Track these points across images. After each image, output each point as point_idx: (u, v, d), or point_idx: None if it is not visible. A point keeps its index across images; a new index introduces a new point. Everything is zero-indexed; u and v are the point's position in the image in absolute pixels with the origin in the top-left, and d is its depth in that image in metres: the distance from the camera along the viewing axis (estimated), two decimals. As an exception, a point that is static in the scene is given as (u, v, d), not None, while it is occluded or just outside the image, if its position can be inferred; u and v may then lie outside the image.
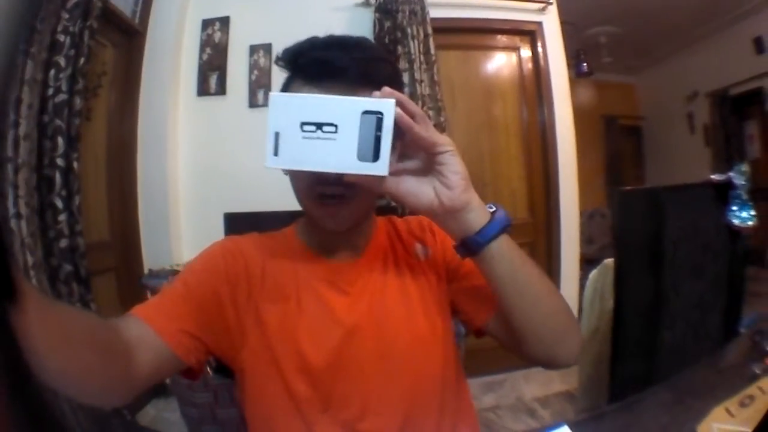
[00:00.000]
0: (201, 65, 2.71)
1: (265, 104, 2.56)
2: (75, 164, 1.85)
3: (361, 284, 0.75)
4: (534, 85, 3.00)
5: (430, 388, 0.74)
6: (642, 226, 1.48)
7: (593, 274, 2.05)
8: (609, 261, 1.95)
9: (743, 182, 1.50)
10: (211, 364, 0.89)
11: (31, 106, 1.70)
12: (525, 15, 2.96)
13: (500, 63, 3.03)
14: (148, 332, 0.62)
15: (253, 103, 2.68)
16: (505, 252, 0.63)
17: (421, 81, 2.55)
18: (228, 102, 2.70)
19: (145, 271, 2.44)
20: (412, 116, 0.56)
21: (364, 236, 0.79)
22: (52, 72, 1.78)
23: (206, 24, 2.72)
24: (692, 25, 4.83)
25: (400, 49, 2.55)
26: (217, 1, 2.75)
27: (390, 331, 0.73)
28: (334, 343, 0.71)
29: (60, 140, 1.79)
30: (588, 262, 2.22)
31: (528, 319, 0.67)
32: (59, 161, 1.78)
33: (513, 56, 3.02)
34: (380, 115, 0.54)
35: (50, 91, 1.77)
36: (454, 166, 0.59)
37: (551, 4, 2.95)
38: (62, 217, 1.77)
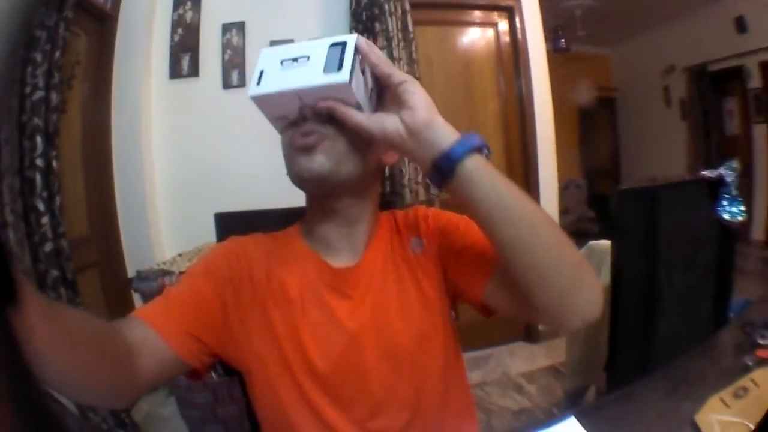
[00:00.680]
0: (173, 47, 2.62)
1: (240, 84, 2.55)
2: (54, 162, 1.79)
3: (363, 287, 0.74)
4: (512, 60, 2.99)
5: (434, 384, 0.75)
6: (639, 221, 1.54)
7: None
8: (594, 243, 1.98)
9: (733, 178, 1.54)
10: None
11: (11, 109, 1.64)
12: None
13: (478, 38, 3.00)
14: (152, 335, 0.62)
15: (227, 84, 2.62)
16: (483, 172, 0.58)
17: (400, 59, 2.51)
18: (201, 84, 2.63)
19: (131, 270, 2.39)
20: (378, 58, 0.64)
21: (365, 234, 0.77)
22: (29, 69, 1.71)
23: (177, 4, 2.62)
24: (670, 0, 4.83)
25: (377, 26, 2.51)
26: (187, -20, 2.65)
27: (392, 332, 0.73)
28: (339, 349, 0.71)
29: (38, 139, 1.72)
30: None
31: (526, 253, 0.59)
32: (38, 161, 1.72)
33: (490, 31, 3.00)
34: (345, 44, 0.63)
35: (28, 89, 1.70)
36: (413, 90, 0.61)
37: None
38: (45, 220, 1.71)
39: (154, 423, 2.23)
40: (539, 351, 2.91)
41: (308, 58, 0.63)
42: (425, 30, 2.79)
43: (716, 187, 1.56)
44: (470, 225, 0.75)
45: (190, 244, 2.32)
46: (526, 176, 3.01)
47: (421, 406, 0.73)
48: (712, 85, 5.22)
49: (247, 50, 2.62)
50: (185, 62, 2.62)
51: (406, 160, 2.49)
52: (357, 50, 0.62)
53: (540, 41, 3.02)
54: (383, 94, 0.67)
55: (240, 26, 2.63)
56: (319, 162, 0.66)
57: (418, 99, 0.61)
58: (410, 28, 2.56)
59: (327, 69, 0.61)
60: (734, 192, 1.55)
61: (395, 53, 2.50)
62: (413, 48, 2.57)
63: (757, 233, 4.73)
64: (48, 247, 1.70)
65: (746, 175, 4.77)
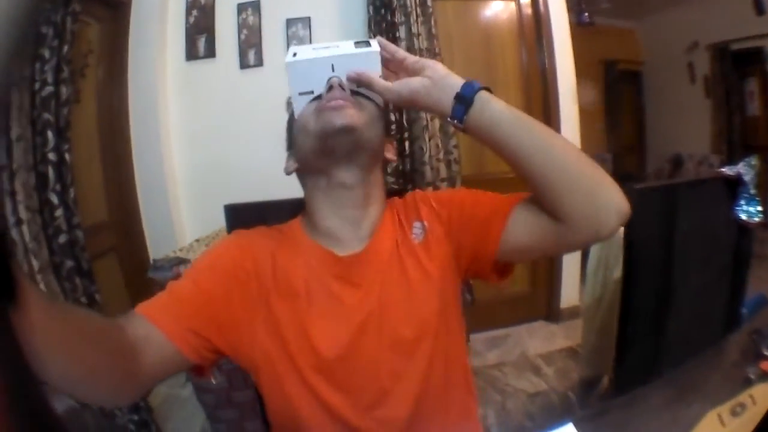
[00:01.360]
0: (188, 28, 2.60)
1: (257, 64, 2.53)
2: (66, 156, 1.79)
3: (368, 276, 0.75)
4: (534, 32, 2.90)
5: (439, 371, 0.76)
6: (655, 220, 1.50)
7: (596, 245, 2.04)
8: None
9: (752, 176, 1.51)
10: None
11: (22, 106, 1.64)
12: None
13: (499, 11, 2.91)
14: (154, 332, 0.62)
15: (244, 64, 2.59)
16: (498, 100, 0.68)
17: (419, 34, 2.45)
18: (218, 64, 2.61)
19: (150, 254, 2.42)
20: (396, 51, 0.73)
21: (371, 222, 0.78)
22: (38, 65, 1.70)
23: (191, -16, 2.59)
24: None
25: (395, 1, 2.44)
26: (200, -40, 2.61)
27: (398, 320, 0.74)
28: (346, 337, 0.72)
29: (50, 134, 1.73)
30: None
31: (552, 163, 0.66)
32: (51, 156, 1.72)
33: (512, 4, 2.90)
34: (368, 41, 0.73)
35: (37, 86, 1.70)
36: (428, 61, 0.70)
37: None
38: (59, 213, 1.72)
39: (172, 405, 2.26)
40: (559, 331, 2.91)
41: (338, 46, 0.72)
42: (445, 4, 2.71)
43: (735, 185, 1.53)
44: (476, 190, 0.81)
45: (208, 228, 2.33)
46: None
47: (427, 393, 0.74)
48: (734, 65, 5.09)
49: (263, 29, 2.59)
50: (201, 43, 2.60)
51: (427, 138, 2.45)
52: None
53: (563, 13, 2.91)
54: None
55: (255, 5, 2.60)
56: (350, 114, 0.69)
57: (434, 62, 0.70)
58: (429, 2, 2.49)
59: (358, 47, 0.71)
60: (752, 191, 1.51)
61: (414, 28, 2.44)
62: (432, 23, 2.50)
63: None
64: (62, 238, 1.72)
65: (765, 159, 4.65)
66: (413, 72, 0.70)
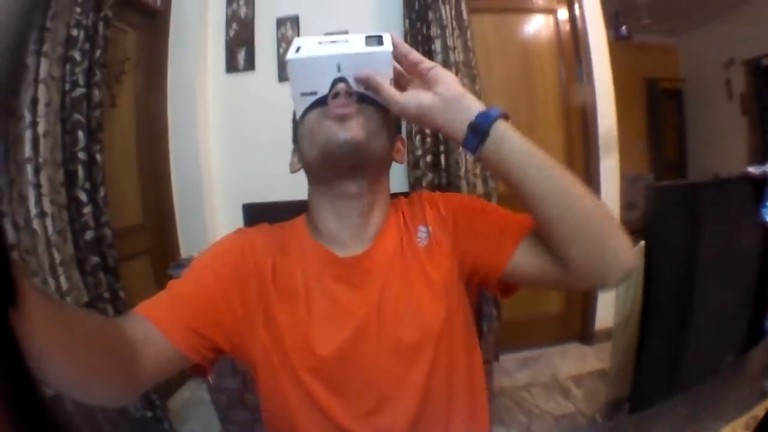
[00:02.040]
0: (228, 41, 2.68)
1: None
2: (98, 156, 1.85)
3: (369, 278, 0.73)
4: (572, 48, 2.87)
5: (442, 378, 0.73)
6: (677, 225, 1.44)
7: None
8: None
9: None
10: None
11: (50, 103, 1.70)
12: (561, -26, 2.82)
13: (537, 26, 2.90)
14: (154, 332, 0.61)
15: (283, 77, 2.64)
16: (514, 131, 0.63)
17: (455, 48, 2.45)
18: (257, 77, 2.67)
19: (182, 254, 2.47)
20: (408, 51, 0.67)
21: (375, 226, 0.76)
22: (68, 67, 1.77)
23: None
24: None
25: (431, 14, 2.45)
26: (240, -25, 2.69)
27: (399, 324, 0.72)
28: (345, 339, 0.70)
29: (80, 134, 1.79)
30: (630, 232, 2.15)
31: (562, 210, 0.63)
32: (81, 155, 1.79)
33: (550, 18, 2.89)
34: (380, 36, 0.66)
35: (67, 87, 1.77)
36: (442, 71, 0.65)
37: (588, -39, 2.80)
38: (87, 210, 1.78)
39: (192, 407, 2.29)
40: (591, 353, 2.83)
41: (347, 41, 0.66)
42: (482, 18, 2.72)
43: (762, 186, 1.43)
44: (486, 202, 0.78)
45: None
46: (586, 168, 2.90)
47: (428, 403, 0.71)
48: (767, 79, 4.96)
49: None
50: (241, 56, 2.66)
51: (463, 153, 2.43)
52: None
53: (601, 29, 2.88)
54: (408, 87, 0.69)
55: (294, 20, 2.65)
56: (355, 129, 0.66)
57: (449, 76, 0.65)
58: (465, 16, 2.50)
59: (368, 44, 0.65)
60: None
61: (450, 42, 2.44)
62: (468, 36, 2.50)
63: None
64: (89, 235, 1.77)
65: None
66: (426, 81, 0.66)
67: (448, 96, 0.64)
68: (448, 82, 0.65)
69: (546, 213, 0.64)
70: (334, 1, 2.64)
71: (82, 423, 0.80)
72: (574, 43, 2.86)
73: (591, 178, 2.88)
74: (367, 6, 2.64)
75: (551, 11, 2.88)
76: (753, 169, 1.46)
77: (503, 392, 2.42)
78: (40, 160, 1.65)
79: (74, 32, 1.79)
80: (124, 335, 0.57)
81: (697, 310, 1.41)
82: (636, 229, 2.14)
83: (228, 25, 2.67)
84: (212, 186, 2.64)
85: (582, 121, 2.87)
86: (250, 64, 2.66)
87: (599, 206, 0.65)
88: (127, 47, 2.39)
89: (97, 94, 1.87)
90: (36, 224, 1.61)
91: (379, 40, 0.65)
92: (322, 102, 0.67)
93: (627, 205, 3.27)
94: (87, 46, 1.82)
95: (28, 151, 1.63)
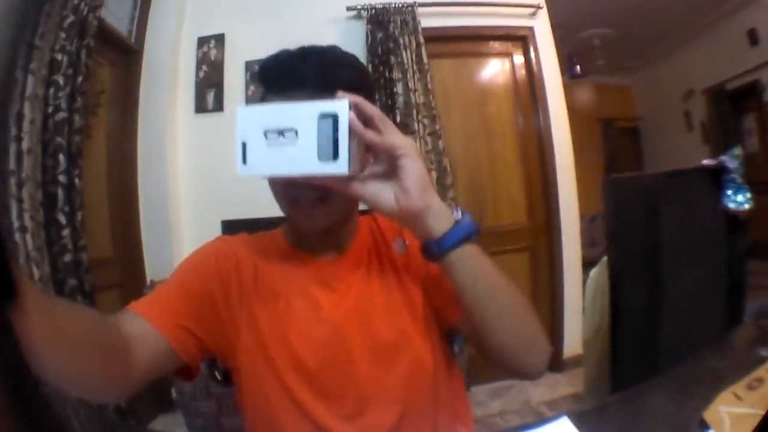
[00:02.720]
0: (198, 82, 2.74)
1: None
2: (76, 181, 1.87)
3: (347, 281, 0.76)
4: (528, 90, 3.01)
5: (424, 380, 0.75)
6: (636, 214, 1.46)
7: (594, 271, 2.04)
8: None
9: (736, 166, 1.48)
10: (219, 369, 0.90)
11: (33, 121, 1.73)
12: (516, 20, 2.99)
13: (494, 69, 3.05)
14: (146, 327, 0.63)
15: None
16: (466, 261, 0.63)
17: (415, 90, 2.58)
18: (226, 118, 2.72)
19: (148, 282, 2.46)
20: (370, 119, 0.59)
21: (347, 235, 0.80)
22: (52, 90, 1.81)
23: (202, 42, 2.76)
24: (685, 23, 4.85)
25: (393, 58, 2.59)
26: (211, 19, 2.79)
27: (377, 326, 0.74)
28: (324, 340, 0.72)
29: (61, 157, 1.81)
30: (591, 265, 2.22)
31: (492, 328, 0.66)
32: (61, 178, 1.81)
33: (506, 62, 3.04)
34: (336, 117, 0.56)
35: (50, 109, 1.80)
36: (409, 169, 0.60)
37: (541, 8, 2.98)
38: (65, 233, 1.79)
39: None
40: (563, 380, 2.84)
41: (296, 133, 0.57)
42: (441, 62, 2.86)
43: (719, 176, 1.48)
44: None
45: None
46: (546, 207, 3.00)
47: (410, 403, 0.73)
48: (731, 104, 5.17)
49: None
50: (210, 97, 2.73)
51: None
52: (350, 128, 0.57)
53: (555, 71, 3.04)
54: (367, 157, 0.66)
55: (263, 63, 2.74)
56: (317, 219, 0.70)
57: (414, 183, 0.60)
58: (425, 60, 2.64)
59: (322, 156, 0.57)
60: (739, 180, 1.47)
61: (411, 84, 2.57)
62: (428, 79, 2.64)
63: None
64: (67, 257, 1.78)
65: (766, 191, 4.65)
66: (388, 162, 0.62)
67: (407, 210, 0.61)
68: (412, 188, 0.60)
69: (476, 327, 0.67)
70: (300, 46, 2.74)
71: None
72: (530, 85, 3.00)
73: (551, 216, 2.97)
74: (332, 51, 2.75)
75: (507, 55, 3.03)
76: (708, 162, 1.51)
77: (477, 421, 2.36)
78: (23, 175, 1.67)
79: (58, 56, 1.83)
80: (119, 331, 0.59)
81: (668, 293, 1.43)
82: (595, 263, 2.23)
83: (198, 67, 2.75)
84: (180, 223, 2.65)
85: (540, 160, 2.99)
86: (218, 105, 2.72)
87: (530, 324, 0.69)
88: (104, 80, 2.43)
89: (77, 119, 1.90)
90: (17, 237, 1.63)
91: (334, 130, 0.57)
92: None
93: (588, 243, 3.38)
94: (70, 71, 1.86)
95: (12, 164, 1.65)
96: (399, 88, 2.57)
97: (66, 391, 0.54)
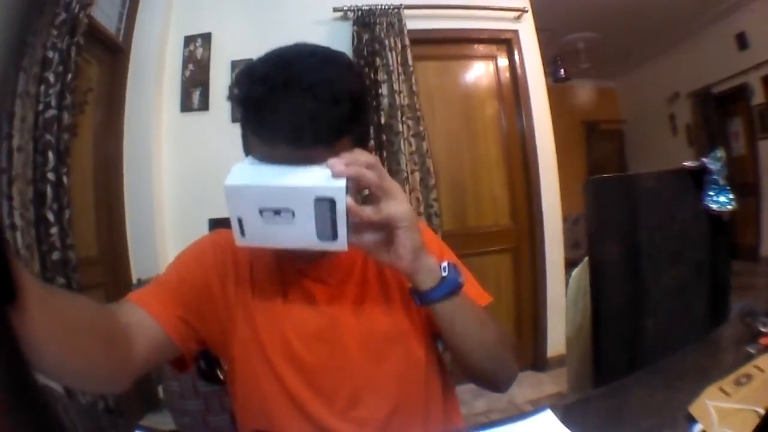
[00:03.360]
0: (184, 81, 2.74)
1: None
2: (65, 179, 1.87)
3: (342, 276, 0.78)
4: (512, 93, 3.05)
5: (416, 374, 0.77)
6: (617, 214, 1.47)
7: (576, 271, 2.06)
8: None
9: (719, 167, 1.48)
10: (221, 368, 0.92)
11: (25, 119, 1.73)
12: (501, 24, 3.02)
13: (478, 72, 3.07)
14: (145, 317, 0.64)
15: (235, 118, 2.70)
16: (445, 310, 0.68)
17: (400, 92, 2.60)
18: (211, 117, 2.73)
19: (134, 281, 2.45)
20: (368, 186, 0.60)
21: None
22: (42, 87, 1.81)
23: (188, 41, 2.75)
24: (671, 28, 4.89)
25: (378, 60, 2.61)
26: (198, 18, 2.79)
27: (371, 321, 0.76)
28: (318, 332, 0.73)
29: (50, 155, 1.81)
30: (574, 266, 2.25)
31: (467, 358, 0.74)
32: (50, 175, 1.81)
33: (490, 65, 3.07)
34: (332, 201, 0.56)
35: (40, 107, 1.80)
36: (403, 240, 0.63)
37: (526, 12, 3.01)
38: (54, 230, 1.79)
39: None
40: (547, 379, 2.89)
41: (293, 214, 0.57)
42: (426, 64, 2.88)
43: (700, 177, 1.49)
44: (457, 260, 0.81)
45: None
46: (529, 209, 3.03)
47: (403, 399, 0.75)
48: (717, 107, 5.22)
49: (255, 85, 2.73)
50: (196, 96, 2.73)
51: (408, 191, 2.55)
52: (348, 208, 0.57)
53: (540, 74, 3.08)
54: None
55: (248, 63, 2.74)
56: (323, 270, 0.76)
57: (407, 253, 0.64)
58: (410, 62, 2.66)
59: (321, 235, 0.58)
60: (722, 181, 1.48)
61: (396, 86, 2.60)
62: (413, 81, 2.67)
63: (765, 250, 4.71)
64: (55, 255, 1.78)
65: (753, 194, 4.76)
66: (384, 225, 0.63)
67: (398, 269, 0.66)
68: (405, 255, 0.64)
69: (461, 354, 0.73)
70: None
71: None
72: (513, 88, 3.04)
73: (534, 218, 3.01)
74: (319, 53, 2.77)
75: (492, 58, 3.06)
76: (689, 163, 1.52)
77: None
78: (14, 172, 1.67)
79: (50, 54, 1.82)
80: (118, 321, 0.60)
81: (649, 288, 1.45)
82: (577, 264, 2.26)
83: (184, 66, 2.75)
84: (165, 222, 2.65)
85: (522, 162, 3.02)
86: (204, 104, 2.73)
87: (504, 351, 0.77)
88: (91, 78, 2.42)
89: (66, 117, 1.90)
90: (8, 235, 1.63)
91: (332, 212, 0.57)
92: None
93: (571, 244, 3.41)
94: (60, 69, 1.86)
95: (3, 161, 1.65)
96: (384, 89, 2.59)
97: (67, 384, 0.55)
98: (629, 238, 1.46)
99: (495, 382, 0.80)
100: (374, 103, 2.59)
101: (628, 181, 1.61)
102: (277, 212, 0.57)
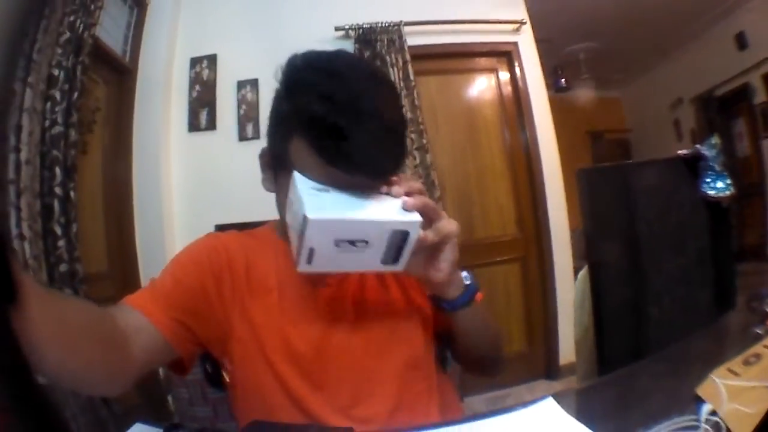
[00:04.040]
0: (191, 102, 2.79)
1: (254, 137, 2.67)
2: (72, 194, 1.90)
3: (341, 275, 0.78)
4: (514, 105, 3.07)
5: (418, 372, 0.78)
6: (611, 204, 1.46)
7: (581, 273, 2.05)
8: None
9: (714, 154, 1.47)
10: (207, 371, 0.91)
11: (32, 133, 1.76)
12: (500, 36, 3.07)
13: (479, 85, 3.11)
14: (142, 321, 0.64)
15: (242, 137, 2.76)
16: (469, 313, 0.74)
17: (402, 106, 2.62)
18: (218, 136, 2.78)
19: None
20: (428, 213, 0.64)
21: None
22: (48, 105, 1.84)
23: (194, 62, 2.81)
24: (670, 34, 4.88)
25: (381, 76, 2.64)
26: (204, 40, 2.85)
27: (371, 319, 0.76)
28: (319, 332, 0.74)
29: (57, 170, 1.84)
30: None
31: (476, 347, 0.83)
32: (57, 190, 1.83)
33: (492, 78, 3.11)
34: (406, 234, 0.61)
35: (47, 123, 1.84)
36: (448, 255, 0.67)
37: (525, 23, 3.06)
38: (61, 243, 1.82)
39: None
40: (559, 387, 2.85)
41: (367, 243, 0.59)
42: (428, 79, 2.93)
43: (695, 165, 1.48)
44: None
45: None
46: (536, 218, 3.03)
47: (404, 397, 0.75)
48: (720, 110, 5.21)
49: (260, 105, 2.77)
50: (203, 116, 2.78)
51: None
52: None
53: (541, 86, 3.11)
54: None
55: (254, 83, 2.79)
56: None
57: (448, 266, 0.67)
58: (411, 77, 2.71)
59: (386, 260, 0.62)
60: (718, 167, 1.46)
61: (398, 101, 2.63)
62: (415, 95, 2.71)
63: (772, 250, 4.61)
64: (63, 268, 1.80)
65: (758, 194, 4.72)
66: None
67: (432, 282, 0.70)
68: (443, 269, 0.68)
69: (472, 345, 0.82)
70: (292, 66, 2.81)
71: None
72: (515, 100, 3.07)
73: (541, 227, 3.01)
74: (323, 68, 2.82)
75: (493, 70, 3.10)
76: (683, 151, 1.52)
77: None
78: (21, 185, 1.70)
79: (55, 72, 1.86)
80: (116, 324, 0.60)
81: (651, 278, 1.44)
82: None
83: (191, 87, 2.80)
84: (174, 240, 2.68)
85: (527, 172, 3.04)
86: (211, 124, 2.77)
87: (500, 339, 0.88)
88: (99, 97, 2.44)
89: (73, 134, 1.93)
90: (16, 245, 1.65)
91: (402, 242, 0.61)
92: None
93: (578, 256, 3.39)
94: (66, 87, 1.89)
95: (11, 173, 1.68)
96: (387, 104, 2.63)
97: (67, 385, 0.55)
98: (627, 228, 1.46)
99: (494, 368, 0.90)
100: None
101: (620, 170, 1.60)
102: (352, 242, 0.59)
